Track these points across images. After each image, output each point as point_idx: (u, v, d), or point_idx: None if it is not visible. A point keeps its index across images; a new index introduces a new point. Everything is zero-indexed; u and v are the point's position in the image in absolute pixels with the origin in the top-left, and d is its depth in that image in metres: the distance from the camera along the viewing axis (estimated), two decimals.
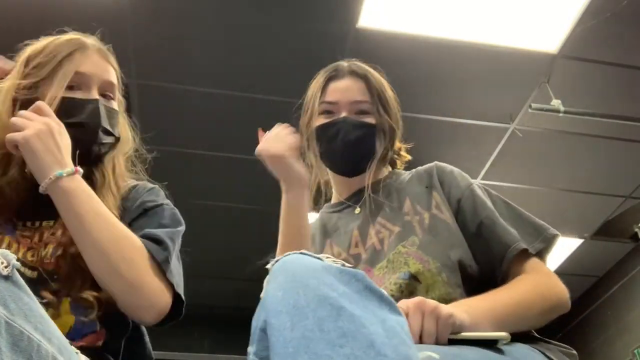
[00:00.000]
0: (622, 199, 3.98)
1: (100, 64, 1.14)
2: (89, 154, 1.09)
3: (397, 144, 1.35)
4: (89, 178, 1.07)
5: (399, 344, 0.62)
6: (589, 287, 4.99)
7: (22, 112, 1.02)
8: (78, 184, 0.98)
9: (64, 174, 0.97)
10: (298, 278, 0.67)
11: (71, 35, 1.17)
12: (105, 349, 0.99)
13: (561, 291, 1.04)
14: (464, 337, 0.85)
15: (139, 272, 0.97)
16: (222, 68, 2.97)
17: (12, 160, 1.05)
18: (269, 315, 0.66)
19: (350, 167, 1.27)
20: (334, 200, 1.36)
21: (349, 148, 1.22)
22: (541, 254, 1.09)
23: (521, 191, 3.82)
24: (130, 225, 1.05)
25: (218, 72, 2.99)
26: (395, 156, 1.36)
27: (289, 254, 0.73)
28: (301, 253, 0.73)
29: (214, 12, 2.69)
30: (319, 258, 0.71)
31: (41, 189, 0.97)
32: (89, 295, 0.97)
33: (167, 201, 1.15)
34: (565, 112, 3.01)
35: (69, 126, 1.04)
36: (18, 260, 0.98)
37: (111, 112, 1.13)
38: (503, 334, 0.85)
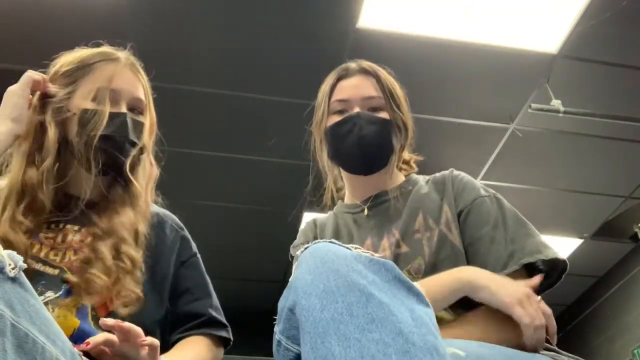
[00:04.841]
0: (622, 199, 3.98)
1: (131, 81, 1.18)
2: (116, 164, 1.12)
3: (407, 155, 1.32)
4: (125, 187, 1.15)
5: (427, 333, 0.63)
6: (589, 287, 4.99)
7: None
8: None
9: None
10: (328, 264, 0.68)
11: (104, 48, 1.21)
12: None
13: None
14: None
15: None
16: (222, 68, 2.97)
17: (46, 169, 1.08)
18: (298, 297, 0.68)
19: (367, 164, 1.22)
20: (347, 201, 1.31)
21: (365, 143, 1.18)
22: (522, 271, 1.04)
23: (521, 191, 3.82)
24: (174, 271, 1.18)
25: (218, 72, 2.99)
26: (404, 165, 1.32)
27: (318, 242, 0.75)
28: (330, 241, 0.74)
29: (213, 12, 2.69)
30: (347, 248, 0.72)
31: None
32: (123, 311, 1.00)
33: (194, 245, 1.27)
34: (565, 112, 3.01)
35: (98, 138, 1.09)
36: (40, 259, 1.00)
37: (137, 124, 1.16)
38: None
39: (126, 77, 1.17)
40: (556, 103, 3.02)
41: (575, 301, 5.10)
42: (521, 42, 2.89)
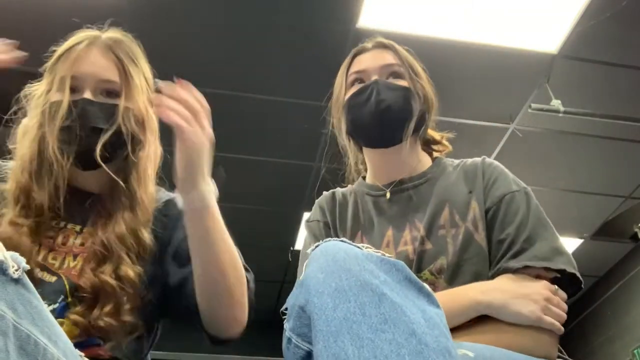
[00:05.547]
0: (622, 199, 3.98)
1: (97, 62, 1.08)
2: (87, 156, 1.03)
3: (437, 134, 1.27)
4: (112, 189, 1.05)
5: (439, 335, 0.63)
6: (589, 287, 4.99)
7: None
8: (215, 203, 0.97)
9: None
10: (340, 263, 0.68)
11: (80, 33, 1.13)
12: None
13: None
14: None
15: (243, 293, 1.02)
16: (222, 68, 2.97)
17: (49, 164, 1.02)
18: (310, 295, 0.68)
19: (386, 133, 1.15)
20: (369, 180, 1.24)
21: (383, 109, 1.13)
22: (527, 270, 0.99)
23: None
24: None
25: (218, 72, 2.99)
26: (435, 146, 1.27)
27: (328, 240, 0.74)
28: (340, 240, 0.74)
29: (214, 11, 2.69)
30: (358, 247, 0.72)
31: (188, 200, 0.93)
32: (106, 323, 0.95)
33: None
34: (565, 112, 3.01)
35: (59, 131, 1.01)
36: (39, 263, 0.97)
37: (104, 107, 1.05)
38: None
39: (91, 59, 1.07)
40: (556, 103, 3.02)
41: (575, 301, 5.10)
42: (521, 42, 2.89)
